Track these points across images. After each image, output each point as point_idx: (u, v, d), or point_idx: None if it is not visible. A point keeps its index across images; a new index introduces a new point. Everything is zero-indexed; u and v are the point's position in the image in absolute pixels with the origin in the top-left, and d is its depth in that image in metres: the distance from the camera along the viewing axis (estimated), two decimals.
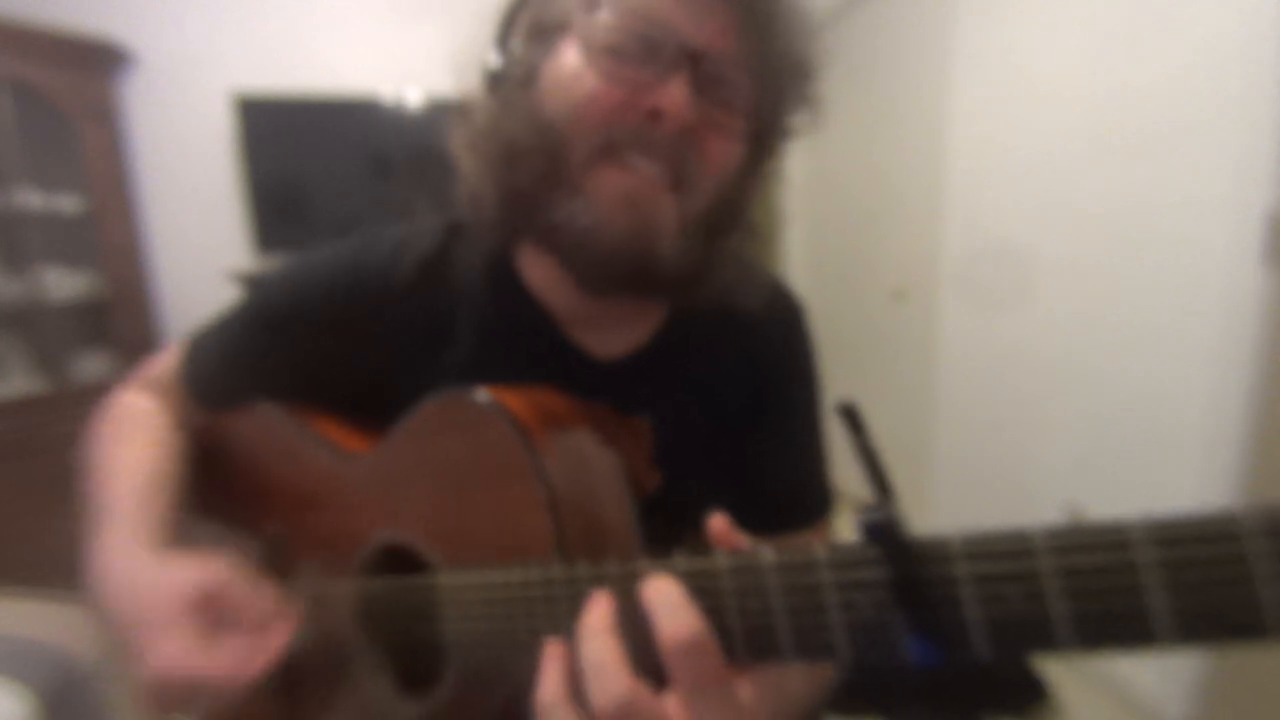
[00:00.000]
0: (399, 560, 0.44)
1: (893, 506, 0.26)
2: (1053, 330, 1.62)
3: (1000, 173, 1.74)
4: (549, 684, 0.31)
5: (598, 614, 0.31)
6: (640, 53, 0.40)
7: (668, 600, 0.29)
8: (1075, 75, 1.49)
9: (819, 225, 2.80)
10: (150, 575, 0.41)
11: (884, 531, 0.25)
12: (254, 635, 0.40)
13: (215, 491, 0.54)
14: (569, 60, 0.41)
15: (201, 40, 2.28)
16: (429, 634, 0.41)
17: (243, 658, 0.39)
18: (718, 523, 0.33)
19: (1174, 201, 1.30)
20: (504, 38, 0.45)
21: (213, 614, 0.40)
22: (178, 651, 0.38)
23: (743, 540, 0.33)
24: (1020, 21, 1.64)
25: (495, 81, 0.45)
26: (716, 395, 0.53)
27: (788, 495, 0.56)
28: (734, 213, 0.46)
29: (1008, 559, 0.24)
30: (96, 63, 2.07)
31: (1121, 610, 0.22)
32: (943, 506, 2.07)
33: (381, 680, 0.45)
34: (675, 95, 0.39)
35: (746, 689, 0.29)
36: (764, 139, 0.46)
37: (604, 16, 0.40)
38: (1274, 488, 1.18)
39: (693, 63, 0.39)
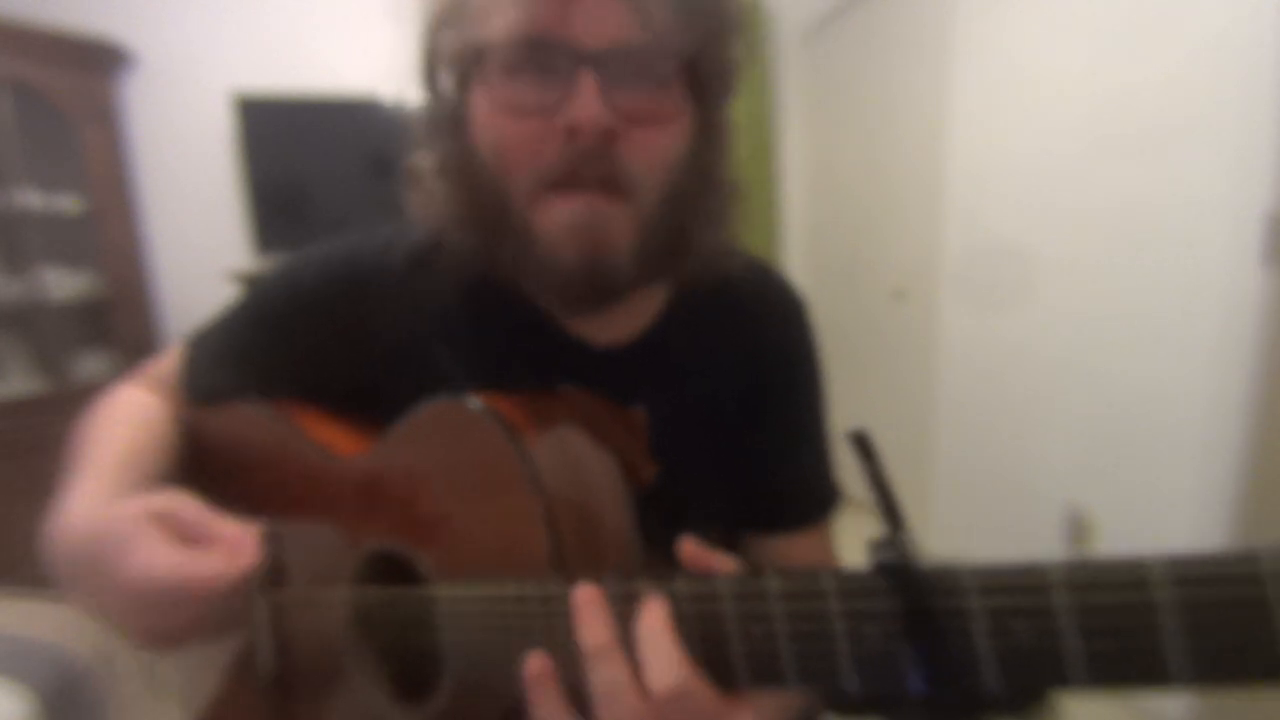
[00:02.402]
0: (391, 567, 0.44)
1: (906, 540, 0.25)
2: (1053, 330, 1.62)
3: (1000, 173, 1.74)
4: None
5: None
6: (537, 74, 0.38)
7: (658, 651, 0.29)
8: (1075, 75, 1.49)
9: (819, 225, 2.80)
10: (106, 511, 0.39)
11: (898, 570, 0.25)
12: (225, 544, 0.39)
13: (206, 496, 0.54)
14: (479, 104, 0.41)
15: (201, 40, 2.28)
16: (424, 643, 0.41)
17: (224, 556, 0.37)
18: (689, 548, 0.32)
19: (1174, 201, 1.30)
20: (430, 79, 0.45)
21: (175, 530, 0.38)
22: (155, 554, 0.36)
23: (718, 560, 0.32)
24: (1020, 21, 1.64)
25: (433, 129, 0.45)
26: (715, 385, 0.52)
27: (789, 494, 0.56)
28: (698, 177, 0.44)
29: (1021, 594, 0.23)
30: (96, 63, 2.07)
31: (1137, 650, 0.22)
32: (943, 507, 2.07)
33: (374, 689, 0.44)
34: (585, 105, 0.37)
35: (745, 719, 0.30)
36: (707, 90, 0.43)
37: (493, 53, 0.39)
38: (1274, 488, 1.18)
39: (593, 63, 0.37)
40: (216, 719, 0.50)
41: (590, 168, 0.39)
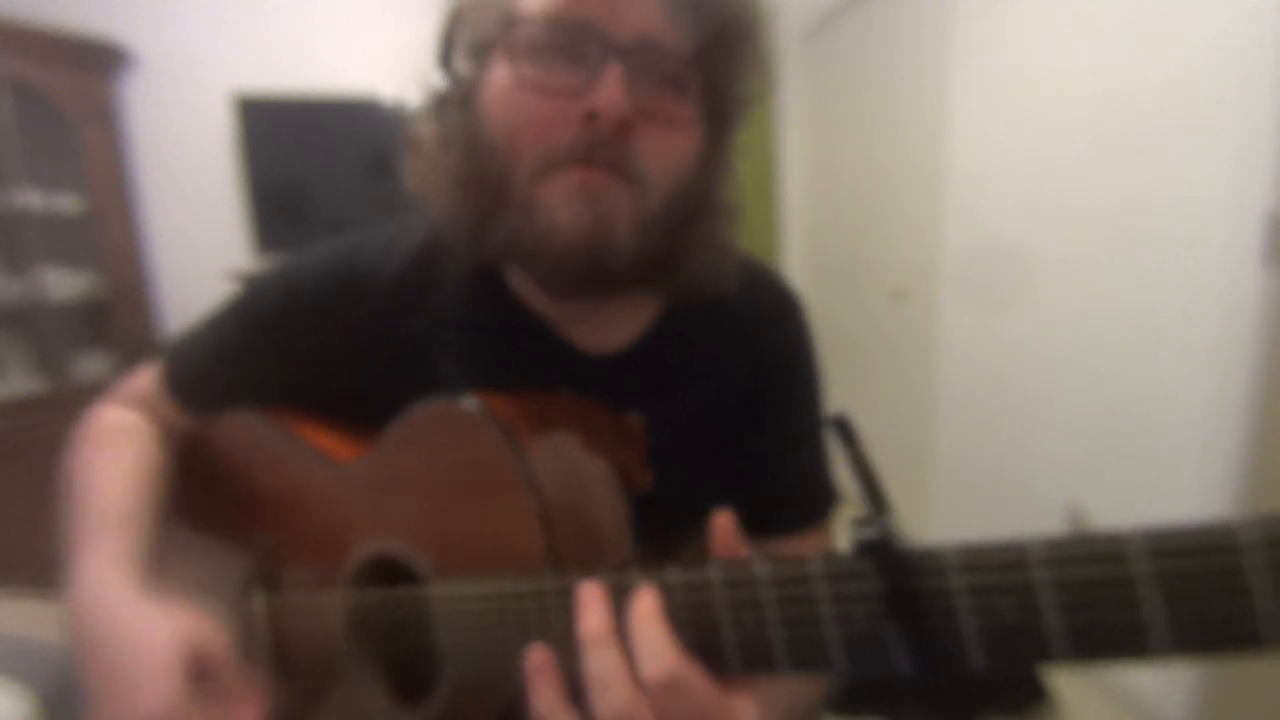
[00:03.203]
0: (389, 570, 0.44)
1: (886, 520, 0.25)
2: (1053, 330, 1.62)
3: (1000, 173, 1.74)
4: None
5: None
6: (566, 56, 0.39)
7: (648, 639, 0.29)
8: (1075, 75, 1.49)
9: (819, 225, 2.80)
10: (137, 621, 0.39)
11: (878, 547, 0.25)
12: (233, 703, 0.39)
13: (202, 502, 0.53)
14: (499, 77, 0.41)
15: (201, 40, 2.28)
16: (422, 644, 0.41)
17: None
18: (723, 521, 0.32)
19: (1174, 201, 1.30)
20: (446, 57, 0.44)
21: (196, 674, 0.38)
22: (160, 706, 0.36)
23: (744, 548, 0.33)
24: (1020, 21, 1.64)
25: (440, 104, 0.45)
26: (711, 391, 0.52)
27: (787, 496, 0.55)
28: (700, 197, 0.45)
29: (1002, 570, 0.24)
30: (96, 63, 2.07)
31: (1117, 623, 0.22)
32: (943, 506, 2.07)
33: (374, 690, 0.44)
34: (609, 94, 0.37)
35: (744, 707, 0.30)
36: (719, 113, 0.44)
37: (524, 27, 0.39)
38: (1274, 488, 1.18)
39: (623, 55, 0.38)
40: None
41: (602, 153, 0.39)
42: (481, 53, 0.42)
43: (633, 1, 0.38)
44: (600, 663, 0.30)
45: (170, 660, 0.37)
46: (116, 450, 0.50)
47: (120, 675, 0.37)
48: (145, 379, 0.56)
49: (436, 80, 0.45)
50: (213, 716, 0.37)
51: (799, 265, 2.93)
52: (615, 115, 0.38)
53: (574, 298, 0.46)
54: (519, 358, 0.49)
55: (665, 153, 0.42)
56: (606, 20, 0.38)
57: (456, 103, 0.43)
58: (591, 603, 0.32)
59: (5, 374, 2.03)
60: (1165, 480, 1.36)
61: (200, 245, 2.36)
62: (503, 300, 0.49)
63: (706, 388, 0.52)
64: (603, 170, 0.40)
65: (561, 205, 0.40)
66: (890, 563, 0.25)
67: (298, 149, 2.32)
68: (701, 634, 0.30)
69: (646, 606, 0.30)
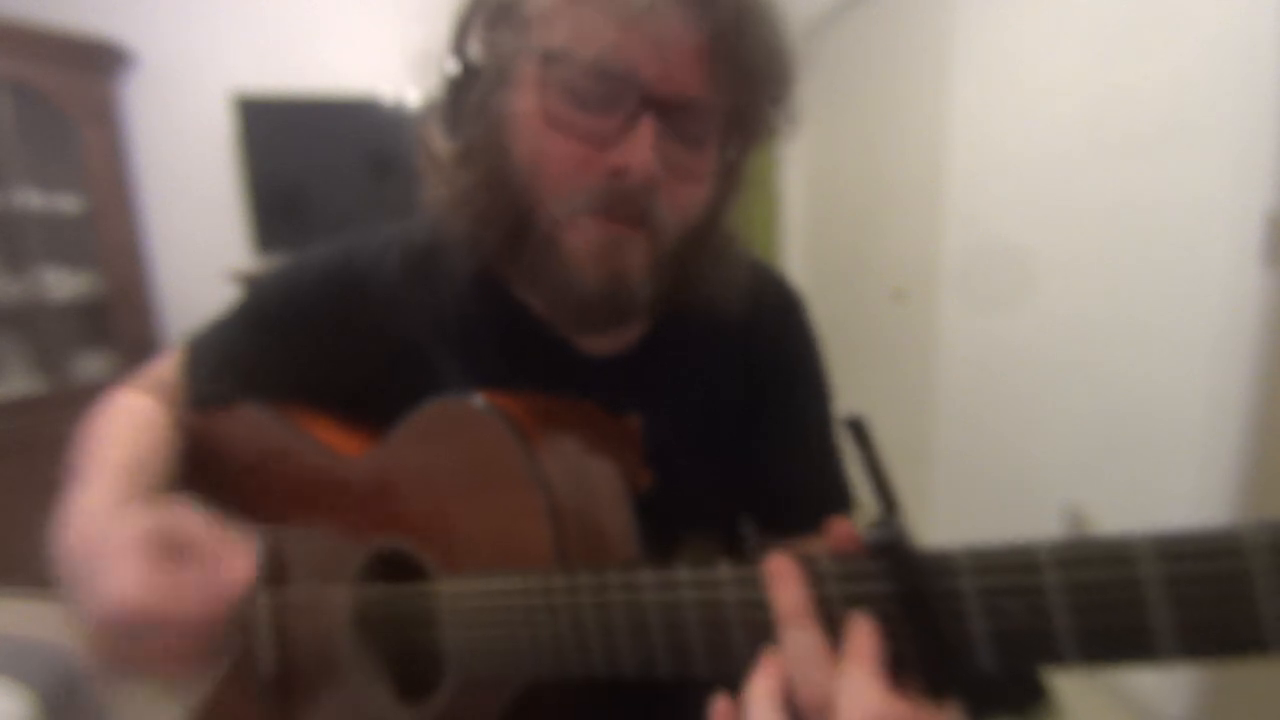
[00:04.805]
0: (395, 566, 0.44)
1: (899, 522, 0.26)
2: (1053, 330, 1.62)
3: (1000, 173, 1.74)
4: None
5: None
6: (602, 102, 0.38)
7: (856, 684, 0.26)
8: (1075, 75, 1.49)
9: (819, 225, 2.80)
10: (107, 521, 0.39)
11: (891, 548, 0.25)
12: (215, 570, 0.39)
13: (209, 495, 0.54)
14: (528, 105, 0.40)
15: (201, 40, 2.28)
16: (426, 641, 0.41)
17: (206, 590, 0.37)
18: (843, 527, 0.30)
19: (1174, 201, 1.30)
20: (460, 43, 0.43)
21: (170, 551, 0.38)
22: (134, 579, 0.36)
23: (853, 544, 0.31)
24: (1020, 21, 1.64)
25: (454, 108, 0.43)
26: (711, 392, 0.52)
27: (798, 495, 0.55)
28: (710, 228, 0.46)
29: (1013, 573, 0.24)
30: (96, 63, 2.07)
31: (1125, 625, 0.22)
32: (943, 506, 2.07)
33: (378, 687, 0.44)
34: (640, 152, 0.37)
35: None
36: (739, 155, 0.45)
37: (563, 66, 0.38)
38: (1274, 488, 1.18)
39: (658, 110, 0.38)
40: (215, 716, 0.50)
41: (626, 204, 0.40)
42: (507, 67, 0.41)
43: (677, 58, 0.37)
44: (799, 643, 0.28)
45: (131, 543, 0.37)
46: (124, 424, 0.50)
47: (91, 573, 0.37)
48: (162, 368, 0.56)
49: (449, 68, 0.43)
50: (199, 582, 0.37)
51: (799, 265, 2.93)
52: (644, 174, 0.38)
53: (591, 331, 0.48)
54: (519, 358, 0.49)
55: (684, 203, 0.42)
56: (649, 73, 0.37)
57: (474, 112, 0.42)
58: (786, 577, 0.29)
59: (5, 374, 2.03)
60: (1165, 480, 1.36)
61: (200, 245, 2.35)
62: (503, 301, 0.49)
63: (706, 388, 0.52)
64: (625, 223, 0.40)
65: (585, 256, 0.41)
66: (902, 564, 0.25)
67: (298, 149, 2.32)
68: (708, 631, 0.30)
69: (861, 645, 0.27)
